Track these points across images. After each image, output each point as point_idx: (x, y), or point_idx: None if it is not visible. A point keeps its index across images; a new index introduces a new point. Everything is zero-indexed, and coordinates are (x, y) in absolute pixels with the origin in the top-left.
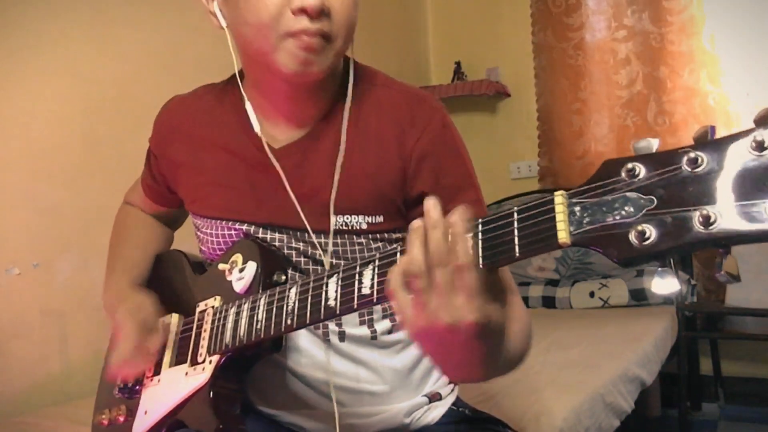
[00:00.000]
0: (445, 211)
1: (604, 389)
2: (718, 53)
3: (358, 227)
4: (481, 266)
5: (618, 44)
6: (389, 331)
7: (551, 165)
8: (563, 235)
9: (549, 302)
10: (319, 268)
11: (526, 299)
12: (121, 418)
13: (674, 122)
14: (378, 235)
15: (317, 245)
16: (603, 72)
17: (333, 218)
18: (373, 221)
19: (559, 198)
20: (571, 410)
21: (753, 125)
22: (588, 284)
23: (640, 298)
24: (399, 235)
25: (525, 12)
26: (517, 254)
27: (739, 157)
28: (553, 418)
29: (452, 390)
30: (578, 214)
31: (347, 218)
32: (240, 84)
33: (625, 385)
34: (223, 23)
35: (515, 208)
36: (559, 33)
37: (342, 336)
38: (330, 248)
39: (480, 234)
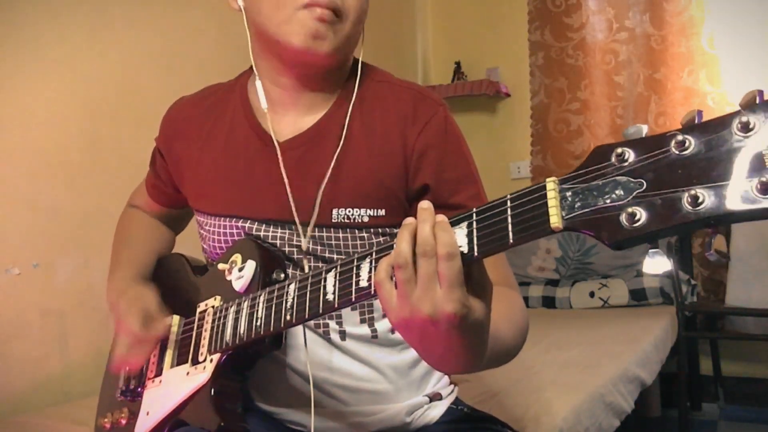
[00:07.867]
0: (447, 204)
1: (604, 389)
2: (717, 54)
3: (360, 220)
4: (475, 256)
5: (619, 45)
6: (391, 331)
7: (544, 164)
8: (555, 220)
9: (549, 302)
10: (320, 264)
11: (526, 299)
12: (123, 421)
13: (674, 123)
14: (380, 229)
15: (317, 240)
16: (603, 72)
17: (315, 212)
18: (375, 214)
19: (551, 184)
20: (571, 410)
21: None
22: (588, 284)
23: (640, 298)
24: None
25: (525, 12)
26: (511, 241)
27: (725, 139)
28: (553, 418)
29: (452, 390)
30: (570, 199)
31: (349, 211)
32: (254, 66)
33: (625, 385)
34: (241, 4)
35: (508, 196)
36: (558, 32)
37: (343, 335)
38: (309, 241)
39: (475, 223)
